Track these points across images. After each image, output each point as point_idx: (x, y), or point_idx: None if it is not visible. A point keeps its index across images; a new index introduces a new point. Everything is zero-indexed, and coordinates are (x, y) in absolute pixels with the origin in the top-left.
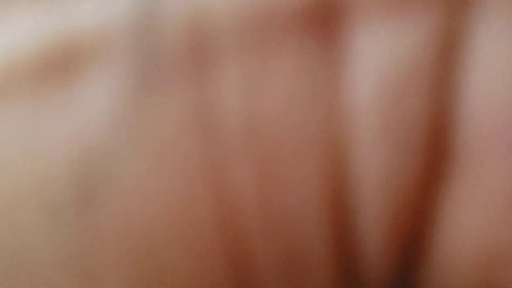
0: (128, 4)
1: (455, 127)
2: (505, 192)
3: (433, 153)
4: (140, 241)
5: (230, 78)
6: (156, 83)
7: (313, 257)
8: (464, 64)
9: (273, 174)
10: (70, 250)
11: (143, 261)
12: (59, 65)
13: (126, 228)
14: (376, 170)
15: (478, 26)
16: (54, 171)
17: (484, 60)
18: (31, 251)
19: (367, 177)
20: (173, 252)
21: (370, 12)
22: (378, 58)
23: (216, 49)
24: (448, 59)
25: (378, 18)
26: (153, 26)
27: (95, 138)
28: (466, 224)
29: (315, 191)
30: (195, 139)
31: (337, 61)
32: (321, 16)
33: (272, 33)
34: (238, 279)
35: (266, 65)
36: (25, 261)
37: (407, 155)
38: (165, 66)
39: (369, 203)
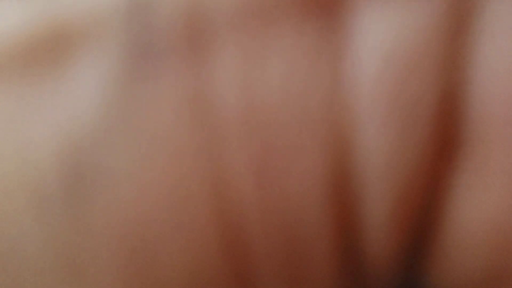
0: None
1: (464, 108)
2: None
3: (442, 135)
4: (132, 235)
5: (228, 61)
6: (150, 67)
7: (315, 249)
8: (473, 43)
9: (272, 162)
10: (59, 243)
11: (136, 255)
12: (48, 50)
13: (118, 221)
14: (382, 154)
15: (486, 4)
16: (43, 162)
17: (493, 39)
18: (20, 244)
19: (373, 162)
20: (167, 246)
21: None
22: (383, 37)
23: (213, 31)
24: (456, 37)
25: None
26: (147, 7)
27: (85, 126)
28: (476, 206)
29: (317, 178)
30: (190, 126)
31: (340, 41)
32: None
33: (271, 13)
34: (236, 274)
35: (265, 47)
36: (13, 254)
37: (415, 137)
38: (159, 50)
39: (375, 189)
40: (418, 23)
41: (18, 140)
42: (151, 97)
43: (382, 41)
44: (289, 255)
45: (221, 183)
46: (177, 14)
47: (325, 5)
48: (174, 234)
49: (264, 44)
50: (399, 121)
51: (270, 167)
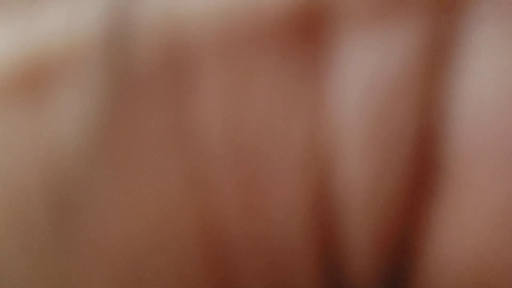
0: (99, 16)
1: (444, 138)
2: (494, 205)
3: (421, 165)
4: (120, 260)
5: (209, 91)
6: (131, 98)
7: (298, 270)
8: (454, 73)
9: (256, 188)
10: (47, 270)
11: (124, 279)
12: (29, 81)
13: (105, 246)
14: (362, 182)
15: (468, 34)
16: (27, 190)
17: (474, 69)
18: (7, 272)
19: (353, 190)
20: (154, 269)
21: (356, 21)
22: (364, 67)
23: (194, 61)
24: (437, 68)
25: (365, 27)
26: (127, 38)
27: (69, 154)
28: (454, 235)
29: (299, 205)
30: (174, 154)
31: (321, 71)
32: (305, 26)
33: (253, 45)
34: None
35: (247, 77)
36: (1, 283)
37: (395, 167)
38: (140, 80)
39: (355, 215)
40: (398, 54)
41: (2, 169)
42: (134, 126)
43: (363, 71)
44: (273, 276)
45: (207, 210)
46: (158, 43)
47: (307, 37)
48: (161, 257)
49: (246, 74)
50: (379, 150)
51: (253, 192)
